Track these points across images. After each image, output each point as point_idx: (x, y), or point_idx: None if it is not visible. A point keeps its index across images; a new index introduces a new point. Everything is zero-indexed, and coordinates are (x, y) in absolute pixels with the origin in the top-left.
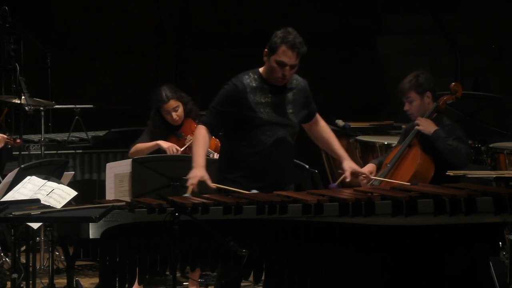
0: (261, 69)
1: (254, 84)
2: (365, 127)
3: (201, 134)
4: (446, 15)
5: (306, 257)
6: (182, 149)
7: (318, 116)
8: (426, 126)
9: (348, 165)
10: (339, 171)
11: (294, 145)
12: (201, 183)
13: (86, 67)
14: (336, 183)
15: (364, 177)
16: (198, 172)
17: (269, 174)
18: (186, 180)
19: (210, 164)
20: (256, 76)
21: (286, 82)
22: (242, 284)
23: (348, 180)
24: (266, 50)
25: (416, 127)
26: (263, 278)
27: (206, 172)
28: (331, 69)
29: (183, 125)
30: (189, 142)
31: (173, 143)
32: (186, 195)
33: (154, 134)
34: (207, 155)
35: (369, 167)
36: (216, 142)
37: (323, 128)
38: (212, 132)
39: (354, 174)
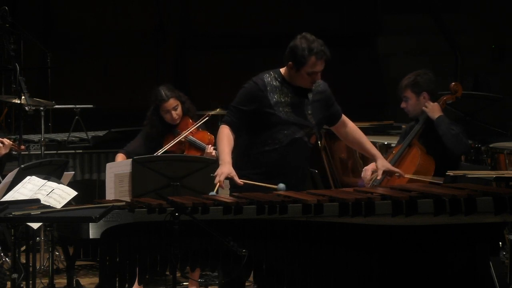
0: (282, 70)
1: (274, 83)
2: (365, 127)
3: (225, 133)
4: (446, 15)
5: (306, 257)
6: (174, 142)
7: (344, 118)
8: (432, 110)
9: (382, 163)
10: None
11: (312, 146)
12: (229, 180)
13: (86, 67)
14: (367, 181)
15: (398, 176)
16: (225, 169)
17: (284, 173)
18: (213, 177)
19: (210, 163)
20: (277, 76)
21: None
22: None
23: (379, 178)
24: (291, 63)
25: (423, 107)
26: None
27: (233, 169)
28: (331, 69)
29: (180, 124)
30: (181, 137)
31: (170, 141)
32: (212, 193)
33: (150, 136)
34: (201, 149)
35: (372, 167)
36: (210, 136)
37: (352, 129)
38: (235, 131)
39: (388, 173)
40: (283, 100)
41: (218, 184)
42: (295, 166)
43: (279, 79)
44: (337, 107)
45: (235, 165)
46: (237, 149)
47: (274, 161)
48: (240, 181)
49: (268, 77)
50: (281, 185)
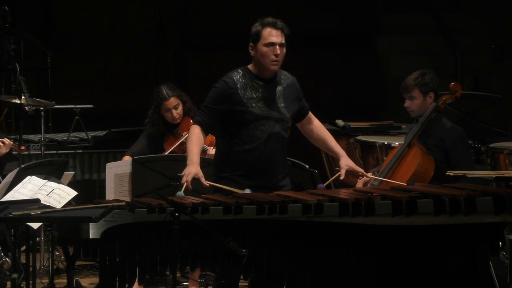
0: (249, 66)
1: (244, 80)
2: (365, 127)
3: (195, 133)
4: (446, 15)
5: (306, 257)
6: (177, 144)
7: (311, 115)
8: None
9: (345, 162)
10: (336, 168)
11: (287, 140)
12: (195, 181)
13: (86, 67)
14: (326, 183)
15: (361, 176)
16: (192, 169)
17: (265, 171)
18: (180, 177)
19: (208, 164)
20: (245, 72)
21: (279, 63)
22: (241, 284)
23: (342, 178)
24: (250, 44)
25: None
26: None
27: (201, 170)
28: (331, 69)
29: (181, 124)
30: (184, 138)
31: (171, 141)
32: (179, 193)
33: (151, 136)
34: (203, 150)
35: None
36: (211, 137)
37: (318, 127)
38: (206, 131)
39: (351, 172)
40: (254, 95)
41: (185, 184)
42: (275, 161)
43: (247, 75)
44: (305, 103)
45: (216, 167)
46: (217, 151)
47: (255, 160)
48: (206, 183)
49: (237, 75)
50: (247, 190)
